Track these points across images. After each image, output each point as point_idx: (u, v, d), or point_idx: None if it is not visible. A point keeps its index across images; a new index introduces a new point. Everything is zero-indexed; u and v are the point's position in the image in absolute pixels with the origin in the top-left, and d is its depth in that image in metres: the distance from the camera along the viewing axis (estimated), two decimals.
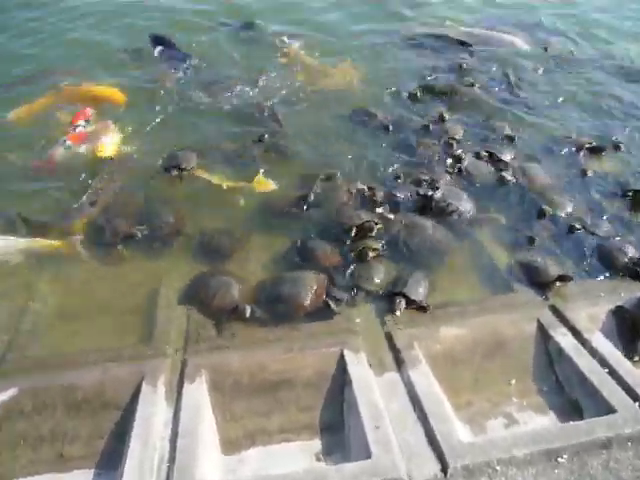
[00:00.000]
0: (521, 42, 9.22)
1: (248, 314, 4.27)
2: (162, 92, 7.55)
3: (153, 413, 3.57)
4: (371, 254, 4.83)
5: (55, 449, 3.60)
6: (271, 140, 6.50)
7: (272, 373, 3.89)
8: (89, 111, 7.02)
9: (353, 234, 5.00)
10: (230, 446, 3.63)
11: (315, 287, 4.39)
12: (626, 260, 4.82)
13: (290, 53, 8.75)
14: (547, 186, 5.83)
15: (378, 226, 5.06)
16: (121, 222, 5.18)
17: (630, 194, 5.76)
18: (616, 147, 6.51)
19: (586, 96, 7.76)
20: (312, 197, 5.46)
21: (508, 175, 5.88)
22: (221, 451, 3.59)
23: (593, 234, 5.18)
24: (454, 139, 6.48)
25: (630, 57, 9.04)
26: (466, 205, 5.43)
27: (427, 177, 5.78)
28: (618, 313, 4.32)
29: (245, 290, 4.53)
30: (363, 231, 5.03)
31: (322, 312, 4.31)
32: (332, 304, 4.29)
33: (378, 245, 4.91)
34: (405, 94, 7.67)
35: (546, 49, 9.13)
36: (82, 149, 6.40)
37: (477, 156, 6.24)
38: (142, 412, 3.57)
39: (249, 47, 9.04)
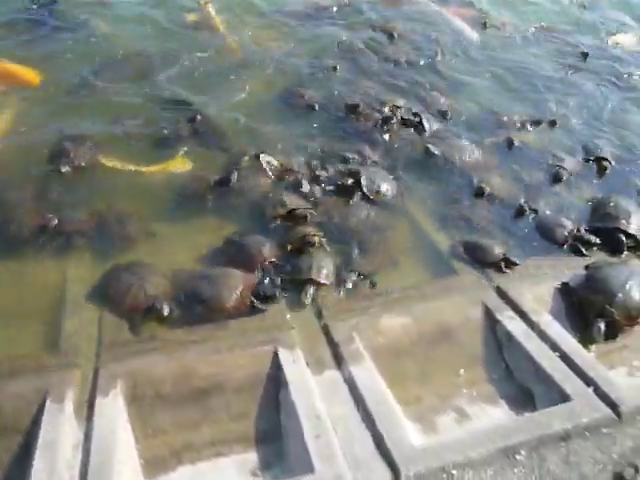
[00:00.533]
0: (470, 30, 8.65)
1: (166, 313, 3.81)
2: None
3: (59, 436, 3.05)
4: (316, 241, 4.41)
5: None
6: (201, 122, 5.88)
7: (199, 378, 3.45)
8: None
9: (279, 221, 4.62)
10: (153, 467, 3.16)
11: (240, 287, 3.95)
12: (566, 234, 4.67)
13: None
14: (478, 162, 5.59)
15: (310, 211, 4.67)
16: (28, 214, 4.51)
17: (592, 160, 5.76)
18: (552, 123, 6.37)
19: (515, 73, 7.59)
20: (234, 179, 4.94)
21: (434, 149, 5.59)
22: (142, 474, 3.12)
23: (534, 211, 4.99)
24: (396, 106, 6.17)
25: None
26: (392, 186, 5.13)
27: (353, 155, 5.45)
28: (564, 292, 4.14)
29: (162, 285, 4.04)
30: (294, 219, 4.63)
31: (249, 313, 3.89)
32: (258, 304, 3.88)
33: (318, 232, 4.51)
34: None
35: (485, 24, 8.82)
36: None
37: (404, 122, 5.95)
38: (46, 436, 3.06)
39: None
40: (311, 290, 3.98)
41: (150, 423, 3.31)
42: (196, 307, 3.90)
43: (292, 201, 4.71)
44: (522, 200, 5.09)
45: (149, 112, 6.09)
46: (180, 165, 5.21)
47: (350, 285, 4.15)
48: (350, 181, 5.02)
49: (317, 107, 6.28)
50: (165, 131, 5.71)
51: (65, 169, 5.05)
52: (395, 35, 8.11)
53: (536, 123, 6.33)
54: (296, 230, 4.52)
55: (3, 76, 6.49)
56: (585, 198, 5.29)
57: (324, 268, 4.12)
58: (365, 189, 4.95)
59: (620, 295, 3.93)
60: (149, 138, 5.67)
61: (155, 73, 6.80)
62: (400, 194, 5.13)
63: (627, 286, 3.97)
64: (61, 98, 6.24)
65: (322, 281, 4.04)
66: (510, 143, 5.90)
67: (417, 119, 5.96)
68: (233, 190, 4.89)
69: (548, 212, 5.04)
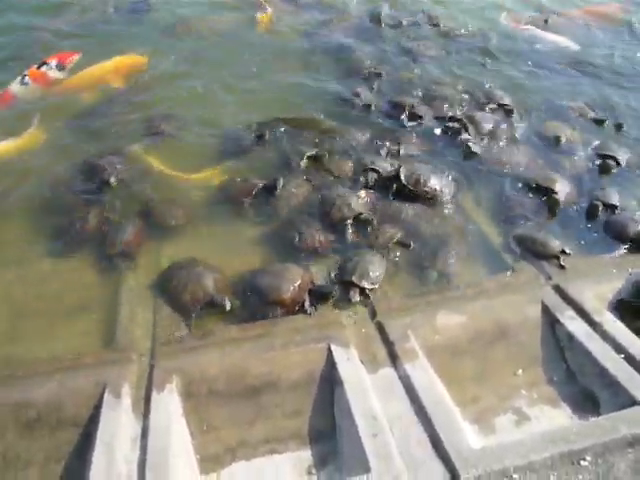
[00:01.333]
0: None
1: (229, 307, 3.83)
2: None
3: (117, 430, 3.10)
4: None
5: (7, 477, 3.11)
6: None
7: (253, 376, 3.45)
8: (72, 57, 6.64)
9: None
10: (208, 463, 3.18)
11: (299, 281, 3.91)
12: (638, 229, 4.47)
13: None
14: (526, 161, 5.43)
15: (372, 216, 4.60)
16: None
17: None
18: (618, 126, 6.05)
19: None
20: (280, 185, 4.80)
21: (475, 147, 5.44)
22: (198, 470, 3.13)
23: (611, 207, 4.78)
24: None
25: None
26: (443, 184, 4.99)
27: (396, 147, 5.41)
28: (626, 292, 3.96)
29: (220, 280, 4.06)
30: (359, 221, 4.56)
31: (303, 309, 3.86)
32: (308, 306, 3.83)
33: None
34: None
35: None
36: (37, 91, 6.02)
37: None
38: (104, 429, 3.11)
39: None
40: (356, 293, 3.90)
41: (205, 419, 3.33)
42: (254, 299, 3.90)
43: (355, 204, 4.62)
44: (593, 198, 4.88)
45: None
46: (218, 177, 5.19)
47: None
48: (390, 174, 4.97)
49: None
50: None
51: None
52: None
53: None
54: (381, 231, 4.47)
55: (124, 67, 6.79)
56: None
57: (370, 272, 3.99)
58: (404, 180, 4.86)
59: None
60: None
61: None
62: (449, 188, 5.01)
63: None
64: None
65: (364, 286, 3.92)
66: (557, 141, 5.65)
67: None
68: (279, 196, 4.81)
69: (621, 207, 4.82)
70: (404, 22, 8.26)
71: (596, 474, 2.82)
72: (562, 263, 4.15)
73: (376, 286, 3.97)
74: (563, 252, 4.19)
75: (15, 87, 6.17)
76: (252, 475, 3.12)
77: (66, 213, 4.65)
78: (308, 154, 5.20)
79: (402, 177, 4.84)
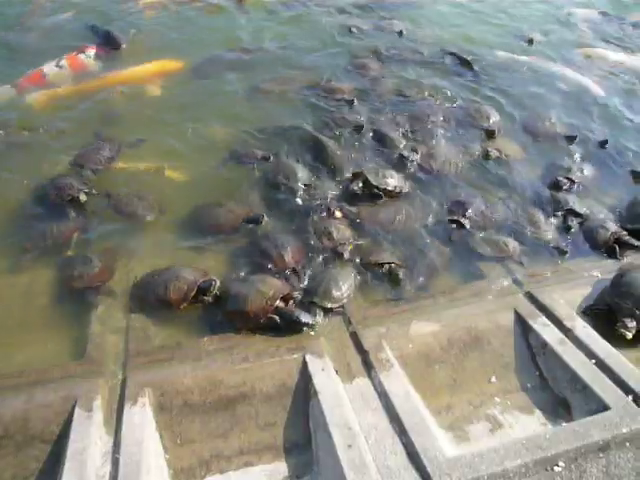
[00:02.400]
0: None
1: (216, 287, 3.93)
2: None
3: (88, 445, 3.03)
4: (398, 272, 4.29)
5: None
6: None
7: (227, 387, 3.42)
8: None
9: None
10: (182, 477, 3.13)
11: (272, 292, 3.86)
12: (608, 235, 4.57)
13: None
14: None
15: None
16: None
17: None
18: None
19: None
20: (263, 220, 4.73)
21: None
22: None
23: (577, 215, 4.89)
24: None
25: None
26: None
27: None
28: (596, 298, 4.03)
29: (199, 270, 4.15)
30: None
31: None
32: (277, 319, 3.77)
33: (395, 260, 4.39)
34: None
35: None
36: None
37: None
38: (75, 445, 3.04)
39: None
40: (320, 312, 3.87)
41: (179, 432, 3.28)
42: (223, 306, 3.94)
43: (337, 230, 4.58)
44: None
45: None
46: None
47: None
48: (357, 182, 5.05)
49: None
50: None
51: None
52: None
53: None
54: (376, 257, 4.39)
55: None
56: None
57: (334, 290, 3.95)
58: (373, 182, 4.96)
59: None
60: None
61: None
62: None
63: None
64: None
65: (327, 306, 3.89)
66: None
67: None
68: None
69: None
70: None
71: (569, 479, 2.85)
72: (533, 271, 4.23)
73: (341, 303, 3.94)
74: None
75: (48, 68, 6.34)
76: None
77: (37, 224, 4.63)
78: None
79: (370, 178, 4.93)
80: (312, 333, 3.73)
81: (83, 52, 6.81)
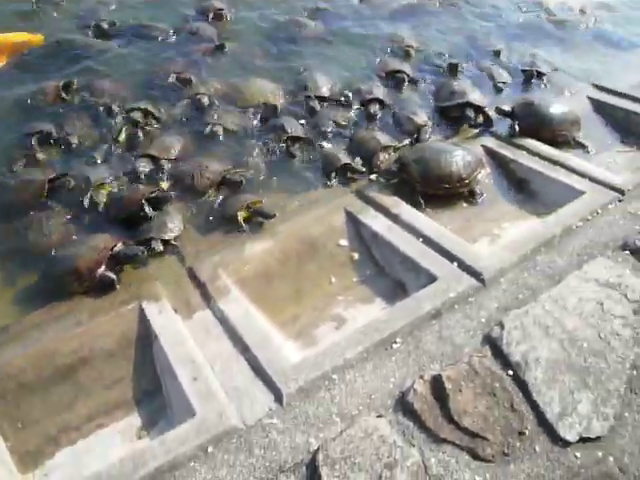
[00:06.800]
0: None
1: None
2: None
3: None
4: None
5: None
6: None
7: (63, 356, 3.20)
8: None
9: None
10: (29, 460, 2.93)
11: (102, 246, 3.65)
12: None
13: None
14: None
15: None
16: None
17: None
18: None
19: None
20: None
21: None
22: (18, 470, 2.88)
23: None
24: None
25: None
26: None
27: None
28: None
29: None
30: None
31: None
32: (106, 273, 3.55)
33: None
34: None
35: None
36: None
37: None
38: None
39: None
40: (158, 242, 3.76)
41: (18, 417, 3.05)
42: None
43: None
44: None
45: None
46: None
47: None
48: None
49: None
50: None
51: None
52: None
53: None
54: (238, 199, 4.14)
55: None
56: None
57: (168, 223, 3.88)
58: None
59: None
60: None
61: None
62: None
63: None
64: None
65: (164, 237, 3.79)
66: None
67: None
68: None
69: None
70: None
71: (407, 352, 2.96)
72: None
73: (175, 234, 3.83)
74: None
75: None
76: (80, 457, 2.92)
77: None
78: None
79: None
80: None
81: None
